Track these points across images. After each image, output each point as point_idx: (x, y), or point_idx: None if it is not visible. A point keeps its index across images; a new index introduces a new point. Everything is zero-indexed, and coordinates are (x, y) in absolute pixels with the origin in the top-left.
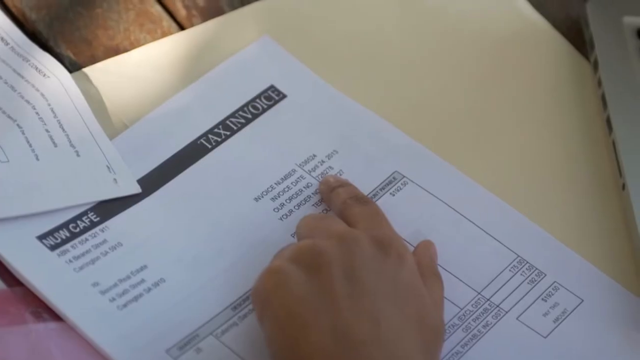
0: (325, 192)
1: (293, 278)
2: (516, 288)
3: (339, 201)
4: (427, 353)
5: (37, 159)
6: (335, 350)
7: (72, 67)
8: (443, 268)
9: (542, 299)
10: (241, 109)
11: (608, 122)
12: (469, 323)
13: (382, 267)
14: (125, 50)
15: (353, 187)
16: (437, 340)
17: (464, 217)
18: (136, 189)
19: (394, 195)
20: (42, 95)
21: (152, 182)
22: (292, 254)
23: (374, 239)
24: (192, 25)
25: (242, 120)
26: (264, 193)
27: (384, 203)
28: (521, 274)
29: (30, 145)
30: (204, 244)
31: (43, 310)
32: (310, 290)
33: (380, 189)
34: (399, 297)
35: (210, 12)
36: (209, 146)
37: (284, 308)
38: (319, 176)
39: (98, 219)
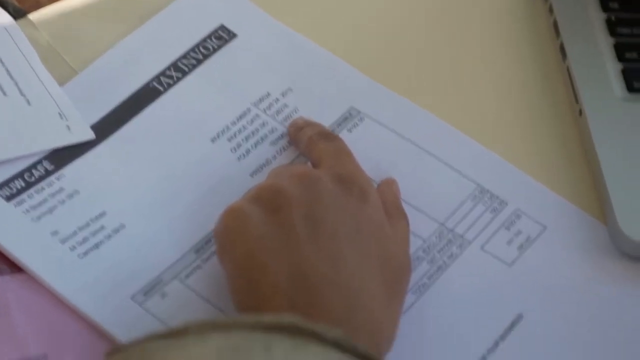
0: (293, 133)
1: (253, 218)
2: (479, 217)
3: (305, 138)
4: (390, 291)
5: None
6: (292, 290)
7: (17, 14)
8: (404, 201)
9: (505, 228)
10: (192, 49)
11: (562, 49)
12: (434, 255)
13: (345, 206)
14: None
15: (320, 125)
16: (401, 279)
17: (423, 149)
18: (90, 135)
19: (351, 131)
20: None
21: (106, 127)
22: (253, 194)
23: (337, 176)
24: None
25: (193, 62)
26: (220, 134)
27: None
28: (483, 204)
29: None
30: (162, 187)
31: (1, 261)
32: (269, 230)
33: (337, 126)
34: (360, 236)
35: None
36: (162, 89)
37: (243, 248)
38: (275, 114)
39: (53, 167)
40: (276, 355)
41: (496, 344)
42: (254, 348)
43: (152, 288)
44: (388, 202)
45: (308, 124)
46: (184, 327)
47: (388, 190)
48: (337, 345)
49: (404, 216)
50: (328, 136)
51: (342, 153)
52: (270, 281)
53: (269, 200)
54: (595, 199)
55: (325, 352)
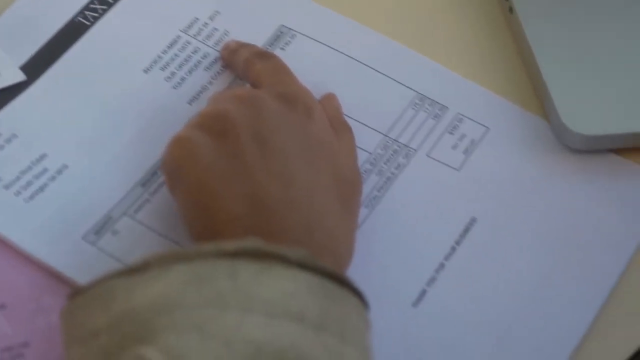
0: (227, 57)
1: (200, 145)
2: (422, 125)
3: (241, 60)
4: (345, 206)
5: None
6: (249, 215)
7: None
8: (346, 115)
9: (449, 132)
10: None
11: None
12: (381, 167)
13: (290, 123)
14: None
15: (254, 45)
16: (354, 192)
17: (359, 61)
18: (20, 77)
19: (284, 49)
20: None
21: (36, 67)
22: (197, 120)
23: (279, 95)
24: None
25: None
26: (152, 64)
27: None
28: (424, 111)
29: None
30: (100, 123)
31: None
32: (219, 156)
33: (269, 45)
34: (310, 153)
35: None
36: (88, 23)
37: (194, 177)
38: (205, 39)
39: None
40: (242, 280)
41: (453, 249)
42: (218, 276)
43: (102, 226)
44: (331, 116)
45: (241, 45)
46: (145, 262)
47: (329, 105)
48: (302, 265)
49: (348, 129)
50: (264, 55)
51: (281, 71)
52: (225, 208)
53: (213, 125)
54: (535, 96)
55: (292, 274)
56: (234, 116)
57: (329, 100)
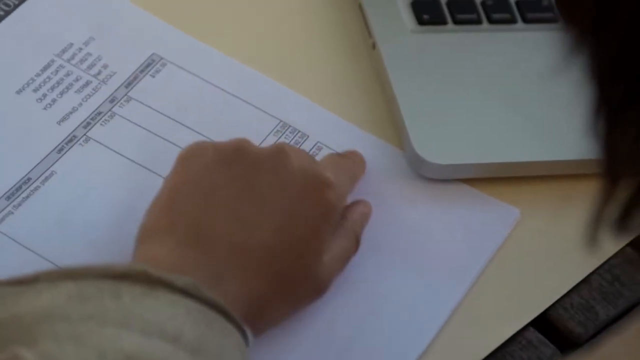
0: None
1: (204, 157)
2: None
3: None
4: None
5: None
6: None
7: None
8: (210, 139)
9: None
10: None
11: None
12: None
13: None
14: None
15: None
16: (311, 292)
17: (225, 90)
18: None
19: (154, 76)
20: None
21: None
22: (221, 145)
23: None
24: None
25: None
26: (25, 85)
27: (146, 86)
28: (285, 137)
29: None
30: None
31: None
32: (221, 179)
33: (140, 72)
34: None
35: None
36: None
37: (174, 180)
38: (78, 63)
39: None
40: (124, 300)
41: None
42: (102, 295)
43: None
44: (351, 219)
45: None
46: (35, 275)
47: (358, 209)
48: (186, 292)
49: (354, 239)
50: None
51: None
52: (176, 214)
53: (229, 150)
54: (393, 127)
55: (174, 298)
56: (253, 153)
57: (360, 205)
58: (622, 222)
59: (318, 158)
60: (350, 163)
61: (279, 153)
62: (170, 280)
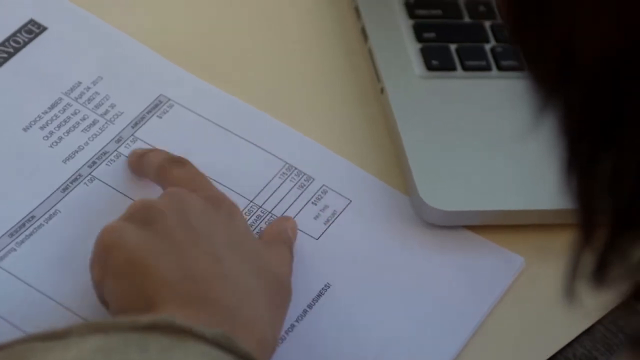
0: (134, 162)
1: (128, 231)
2: (287, 193)
3: (154, 166)
4: (272, 301)
5: None
6: (181, 282)
7: None
8: (215, 180)
9: (312, 203)
10: (2, 44)
11: (363, 31)
12: None
13: (215, 220)
14: None
15: (165, 151)
16: (281, 291)
17: (231, 132)
18: None
19: (161, 117)
20: None
21: None
22: (125, 214)
23: (204, 197)
24: None
25: (4, 55)
26: (32, 123)
27: (153, 126)
28: (291, 180)
29: None
30: None
31: None
32: (148, 238)
33: (148, 112)
34: (234, 243)
35: None
36: None
37: (123, 257)
38: (86, 102)
39: None
40: (151, 353)
41: (305, 312)
42: (129, 347)
43: None
44: (274, 231)
45: (149, 150)
46: (67, 329)
47: (280, 222)
48: (216, 343)
49: (287, 246)
50: (178, 161)
51: (199, 177)
52: (157, 275)
53: (142, 215)
54: (399, 172)
55: (204, 350)
56: (160, 206)
57: (283, 220)
58: (599, 274)
59: (322, 202)
60: (195, 169)
61: (176, 196)
62: (201, 331)
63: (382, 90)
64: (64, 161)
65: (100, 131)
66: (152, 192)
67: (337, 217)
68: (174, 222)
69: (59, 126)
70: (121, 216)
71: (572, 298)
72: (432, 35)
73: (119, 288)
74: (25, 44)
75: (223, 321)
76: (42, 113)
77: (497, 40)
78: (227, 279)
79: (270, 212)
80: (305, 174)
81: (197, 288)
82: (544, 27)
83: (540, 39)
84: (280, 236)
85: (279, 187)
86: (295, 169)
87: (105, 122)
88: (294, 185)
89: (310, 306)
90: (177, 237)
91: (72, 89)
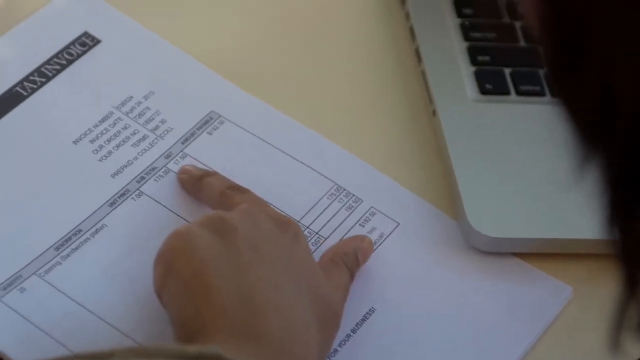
0: (189, 182)
1: (200, 239)
2: (335, 215)
3: (216, 192)
4: (322, 329)
5: None
6: (237, 310)
7: None
8: (264, 199)
9: (360, 225)
10: (56, 56)
11: (417, 53)
12: None
13: (280, 242)
14: None
15: (224, 177)
16: (332, 321)
17: (281, 151)
18: None
19: (211, 134)
20: None
21: None
22: (200, 220)
23: (273, 217)
24: None
25: (58, 67)
26: (83, 136)
27: (203, 143)
28: (339, 201)
29: None
30: (25, 188)
31: None
32: (217, 252)
33: (198, 129)
34: (295, 269)
35: None
36: (25, 94)
37: (191, 268)
38: (137, 117)
39: None
40: None
41: (348, 337)
42: None
43: (11, 284)
44: (342, 252)
45: (206, 172)
46: (111, 352)
47: (349, 243)
48: None
49: (346, 270)
50: (240, 189)
51: (262, 203)
52: (217, 300)
53: (216, 225)
54: (448, 196)
55: None
56: (235, 221)
57: (356, 240)
58: None
59: (370, 224)
60: (256, 196)
61: (250, 214)
62: None
63: (434, 113)
64: (113, 176)
65: (150, 147)
66: (199, 209)
67: (384, 240)
68: (244, 239)
69: (109, 140)
70: (195, 221)
71: (617, 349)
72: (486, 58)
73: (179, 301)
74: (79, 56)
75: (273, 355)
76: (93, 127)
77: None
78: (284, 313)
79: (317, 233)
80: (354, 195)
81: (253, 320)
82: (584, 70)
83: (579, 85)
84: (343, 258)
85: (328, 207)
86: (345, 190)
87: (156, 138)
88: (343, 206)
89: (354, 331)
90: (244, 257)
91: (123, 104)
